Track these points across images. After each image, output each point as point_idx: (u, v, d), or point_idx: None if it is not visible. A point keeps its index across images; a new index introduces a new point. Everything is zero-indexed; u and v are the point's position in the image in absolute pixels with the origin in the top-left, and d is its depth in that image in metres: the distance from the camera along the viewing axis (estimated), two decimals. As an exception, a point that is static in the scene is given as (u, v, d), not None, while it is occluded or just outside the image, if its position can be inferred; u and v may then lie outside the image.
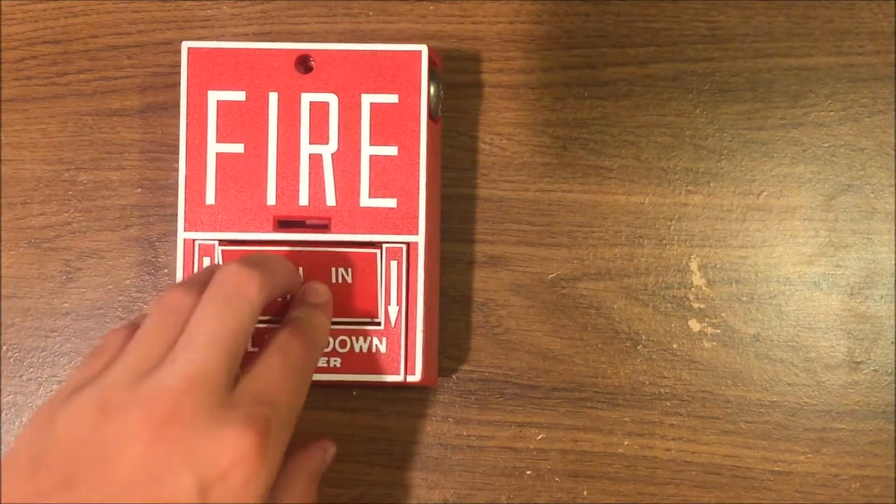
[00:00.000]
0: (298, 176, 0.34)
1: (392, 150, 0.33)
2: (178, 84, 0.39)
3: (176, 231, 0.37)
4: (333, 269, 0.33)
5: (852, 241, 0.36)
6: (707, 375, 0.36)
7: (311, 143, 0.34)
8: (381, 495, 0.37)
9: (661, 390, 0.36)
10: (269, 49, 0.34)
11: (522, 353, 0.37)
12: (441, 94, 0.35)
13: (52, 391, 0.39)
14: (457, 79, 0.38)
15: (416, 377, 0.34)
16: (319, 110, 0.34)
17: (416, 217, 0.33)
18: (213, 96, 0.34)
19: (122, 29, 0.39)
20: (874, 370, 0.35)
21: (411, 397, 0.37)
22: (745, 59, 0.37)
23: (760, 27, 0.37)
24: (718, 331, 0.36)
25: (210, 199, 0.34)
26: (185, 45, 0.35)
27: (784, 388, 0.36)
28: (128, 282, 0.39)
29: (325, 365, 0.33)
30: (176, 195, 0.39)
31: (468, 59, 0.38)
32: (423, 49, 0.33)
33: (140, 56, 0.39)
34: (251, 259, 0.29)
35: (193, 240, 0.34)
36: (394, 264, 0.33)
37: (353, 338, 0.33)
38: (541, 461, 0.36)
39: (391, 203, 0.33)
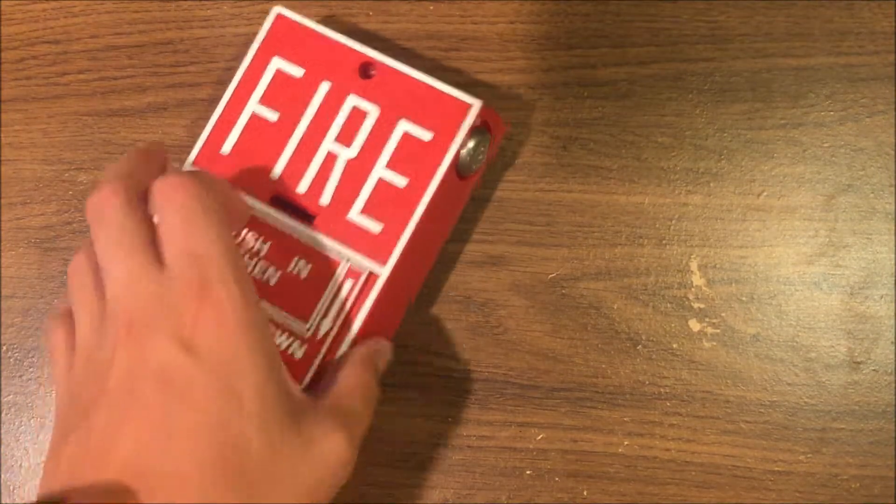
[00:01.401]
0: (309, 164, 0.33)
1: (402, 181, 0.32)
2: (177, 84, 0.39)
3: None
4: (295, 259, 0.32)
5: (852, 241, 0.36)
6: (707, 375, 0.36)
7: (335, 140, 0.33)
8: (381, 495, 0.37)
9: (661, 390, 0.36)
10: (343, 44, 0.34)
11: (522, 353, 0.37)
12: (481, 157, 0.33)
13: (52, 392, 0.39)
14: (457, 79, 0.38)
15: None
16: (357, 115, 0.33)
17: (391, 251, 0.32)
18: (276, 63, 0.34)
19: (122, 29, 0.39)
20: (874, 370, 0.35)
21: (411, 397, 0.37)
22: (745, 59, 0.37)
23: (760, 27, 0.37)
24: (718, 331, 0.36)
25: (227, 148, 0.34)
26: (276, 10, 0.34)
27: (784, 388, 0.36)
28: (128, 282, 0.39)
29: None
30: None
31: (468, 59, 0.38)
32: (476, 104, 0.32)
33: (140, 56, 0.39)
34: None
35: None
36: (347, 283, 0.32)
37: (279, 330, 0.32)
38: (541, 461, 0.36)
39: (376, 227, 0.32)
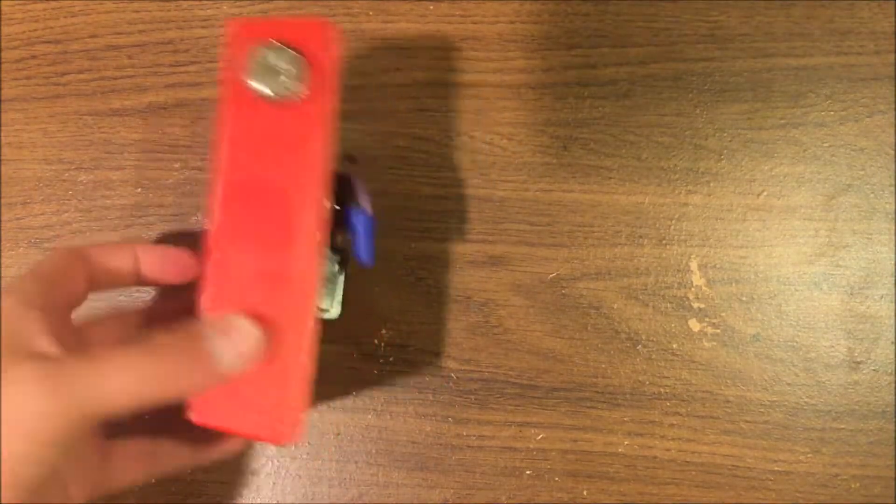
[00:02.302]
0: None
1: None
2: (177, 84, 0.39)
3: (173, 231, 0.38)
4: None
5: (852, 240, 0.36)
6: (707, 375, 0.36)
7: None
8: (381, 495, 0.37)
9: (661, 390, 0.36)
10: None
11: (522, 353, 0.37)
12: (288, 70, 0.28)
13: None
14: (457, 79, 0.38)
15: None
16: None
17: (215, 196, 0.29)
18: None
19: (121, 29, 0.39)
20: (874, 370, 0.35)
21: (412, 397, 0.37)
22: (745, 59, 0.37)
23: (760, 27, 0.37)
24: (718, 331, 0.36)
25: None
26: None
27: (784, 388, 0.36)
28: (128, 282, 0.39)
29: None
30: (174, 195, 0.39)
31: (468, 59, 0.38)
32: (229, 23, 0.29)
33: (140, 56, 0.39)
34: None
35: None
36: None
37: None
38: (541, 461, 0.36)
39: None
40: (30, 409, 0.24)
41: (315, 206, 0.28)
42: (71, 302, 0.29)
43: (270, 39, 0.28)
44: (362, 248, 0.32)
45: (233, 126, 0.28)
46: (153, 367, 0.26)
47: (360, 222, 0.32)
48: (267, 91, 0.28)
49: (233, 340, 0.27)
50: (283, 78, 0.28)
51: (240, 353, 0.27)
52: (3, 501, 0.24)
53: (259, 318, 0.27)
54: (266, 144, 0.28)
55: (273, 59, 0.28)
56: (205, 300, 0.28)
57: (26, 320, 0.27)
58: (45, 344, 0.26)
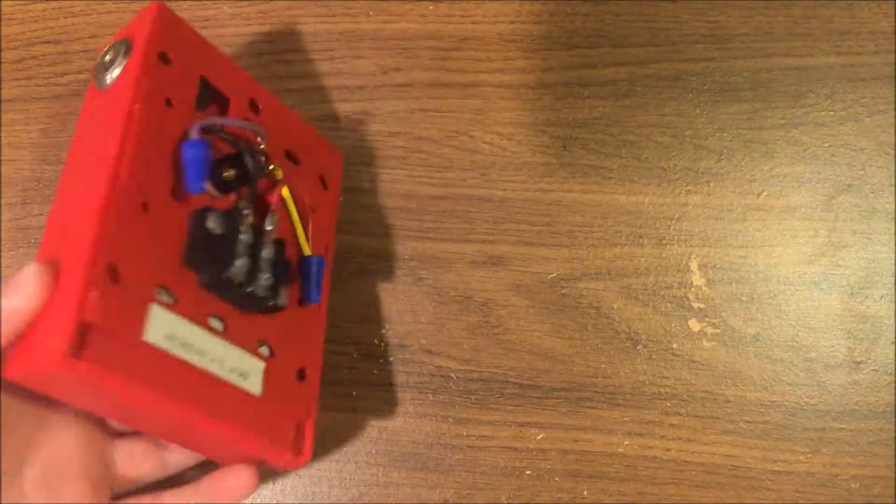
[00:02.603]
0: None
1: None
2: (177, 84, 0.39)
3: None
4: None
5: (852, 240, 0.36)
6: (707, 375, 0.36)
7: None
8: (381, 495, 0.37)
9: (661, 390, 0.36)
10: None
11: (522, 353, 0.37)
12: (118, 62, 0.30)
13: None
14: (457, 79, 0.38)
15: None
16: None
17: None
18: None
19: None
20: (874, 370, 0.35)
21: (411, 397, 0.37)
22: (745, 59, 0.37)
23: (760, 27, 0.37)
24: (718, 331, 0.36)
25: None
26: None
27: (784, 388, 0.36)
28: (128, 282, 0.39)
29: None
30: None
31: (468, 59, 0.38)
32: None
33: (140, 56, 0.39)
34: None
35: None
36: None
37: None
38: (541, 461, 0.36)
39: None
40: None
41: (111, 162, 0.29)
42: None
43: (115, 40, 0.31)
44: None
45: (81, 119, 0.30)
46: None
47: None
48: (99, 81, 0.30)
49: (17, 286, 0.27)
50: (111, 66, 0.30)
51: (22, 295, 0.27)
52: None
53: (53, 265, 0.28)
54: (95, 124, 0.30)
55: (107, 54, 0.30)
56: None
57: None
58: None
